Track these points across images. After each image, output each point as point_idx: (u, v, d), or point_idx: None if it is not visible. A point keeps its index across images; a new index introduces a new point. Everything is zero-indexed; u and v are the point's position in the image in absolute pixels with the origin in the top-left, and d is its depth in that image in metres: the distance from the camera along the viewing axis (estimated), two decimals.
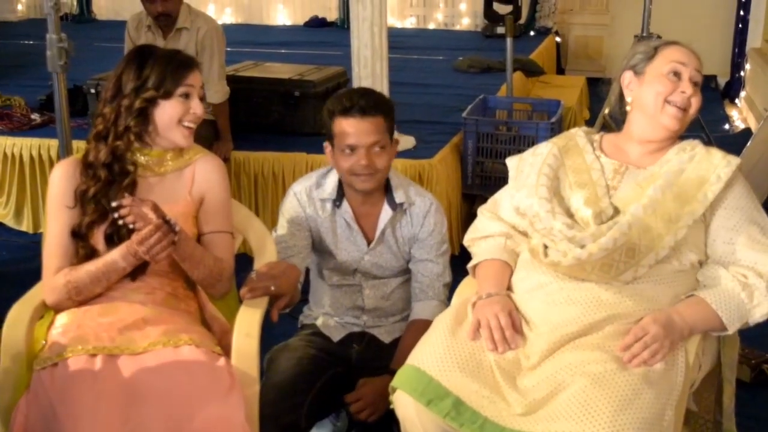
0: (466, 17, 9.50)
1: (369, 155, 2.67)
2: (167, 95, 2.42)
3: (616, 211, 2.33)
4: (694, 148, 2.41)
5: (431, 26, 9.63)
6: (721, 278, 2.30)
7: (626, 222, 2.26)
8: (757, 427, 3.12)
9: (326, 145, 2.78)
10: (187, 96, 2.44)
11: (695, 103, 2.39)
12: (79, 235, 2.41)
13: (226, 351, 2.34)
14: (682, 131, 2.43)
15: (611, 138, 2.53)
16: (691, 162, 2.36)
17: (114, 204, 2.28)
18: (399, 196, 2.79)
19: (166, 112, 2.42)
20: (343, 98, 2.72)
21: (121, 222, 2.28)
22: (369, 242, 2.83)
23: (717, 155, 2.37)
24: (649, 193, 2.30)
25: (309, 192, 2.82)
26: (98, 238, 2.41)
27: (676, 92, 2.38)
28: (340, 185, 2.81)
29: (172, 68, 2.43)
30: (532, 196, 2.41)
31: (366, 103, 2.69)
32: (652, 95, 2.39)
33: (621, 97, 2.51)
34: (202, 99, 2.49)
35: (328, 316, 2.91)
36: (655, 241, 2.26)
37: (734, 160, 2.35)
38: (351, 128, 2.67)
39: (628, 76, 2.48)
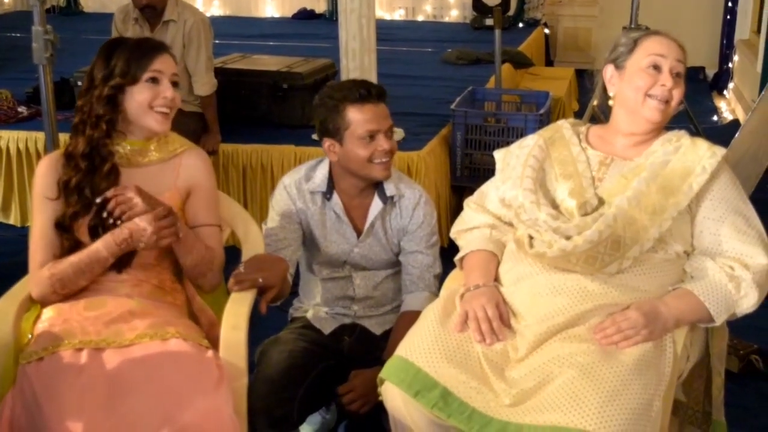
0: (455, 9, 9.49)
1: (388, 139, 2.71)
2: (134, 81, 2.41)
3: (601, 202, 2.33)
4: (679, 139, 2.40)
5: (420, 18, 9.61)
6: (708, 269, 2.30)
7: (611, 214, 2.26)
8: (745, 417, 3.13)
9: (326, 141, 2.76)
10: (155, 80, 2.43)
11: (677, 94, 2.38)
12: (63, 227, 2.40)
13: (214, 344, 2.34)
14: (666, 122, 2.43)
15: (597, 130, 2.53)
16: (677, 153, 2.36)
17: (98, 200, 2.28)
18: (390, 189, 2.79)
19: (134, 97, 2.42)
20: (352, 88, 2.72)
21: (111, 220, 2.28)
22: (358, 234, 2.83)
23: (702, 146, 2.37)
24: (633, 185, 2.30)
25: (299, 185, 2.82)
26: (83, 230, 2.40)
27: (656, 86, 2.37)
28: (330, 177, 2.81)
29: (138, 54, 2.42)
30: (517, 188, 2.41)
31: (377, 90, 2.75)
32: (633, 90, 2.39)
33: (605, 89, 2.51)
34: (176, 84, 2.48)
35: (319, 307, 2.91)
36: (640, 233, 2.26)
37: (719, 151, 2.35)
38: (370, 114, 2.69)
39: (609, 70, 2.48)
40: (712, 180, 2.32)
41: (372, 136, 2.69)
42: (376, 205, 2.81)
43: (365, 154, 2.69)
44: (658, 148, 2.38)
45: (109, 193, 2.27)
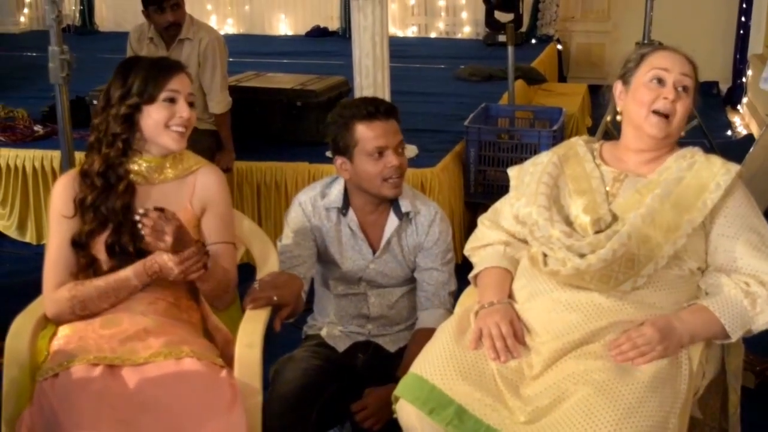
0: (468, 26, 9.52)
1: (398, 155, 2.71)
2: (151, 100, 2.42)
3: (615, 218, 2.33)
4: (693, 155, 2.40)
5: (433, 35, 9.64)
6: (723, 286, 2.29)
7: (625, 232, 2.25)
8: None
9: (338, 159, 2.77)
10: (172, 100, 2.44)
11: (681, 108, 2.37)
12: (79, 245, 2.42)
13: (229, 362, 2.34)
14: (675, 137, 2.42)
15: (610, 146, 2.53)
16: (691, 170, 2.35)
17: (141, 211, 2.27)
18: (405, 205, 2.80)
19: (151, 116, 2.43)
20: (359, 105, 2.74)
21: (141, 228, 2.27)
22: (374, 251, 2.83)
23: (717, 163, 2.36)
24: (647, 202, 2.30)
25: (314, 202, 2.83)
26: (99, 248, 2.41)
27: (659, 99, 2.36)
28: (346, 193, 2.82)
29: (155, 73, 2.44)
30: (531, 205, 2.41)
31: (386, 106, 2.76)
32: (637, 105, 2.39)
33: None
34: (192, 104, 2.50)
35: (333, 325, 2.91)
36: (654, 250, 2.25)
37: (734, 168, 2.34)
38: (379, 130, 2.70)
39: (618, 87, 2.48)
40: (726, 197, 2.31)
41: (381, 153, 2.69)
42: (392, 221, 2.81)
43: (375, 170, 2.70)
44: (672, 164, 2.38)
45: (152, 214, 2.25)
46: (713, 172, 2.33)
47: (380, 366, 2.79)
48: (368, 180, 2.72)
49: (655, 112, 2.36)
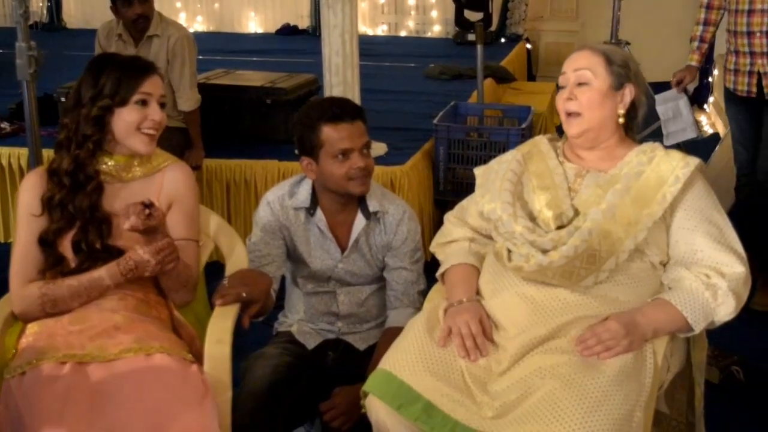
0: (438, 24, 9.54)
1: (363, 156, 2.71)
2: (123, 103, 2.42)
3: (576, 213, 2.36)
4: (654, 150, 2.42)
5: (403, 33, 9.66)
6: (684, 279, 2.32)
7: (587, 229, 2.28)
8: (726, 428, 3.15)
9: (304, 160, 2.77)
10: (144, 103, 2.44)
11: (585, 98, 2.40)
12: (46, 243, 2.41)
13: (195, 357, 2.34)
14: (607, 125, 2.42)
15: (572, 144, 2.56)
16: (650, 164, 2.38)
17: (147, 201, 2.27)
18: (373, 205, 2.81)
19: (123, 119, 2.43)
20: (325, 107, 2.74)
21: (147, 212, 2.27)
22: (343, 250, 2.84)
23: (676, 156, 2.39)
24: (608, 197, 2.33)
25: (282, 201, 2.83)
26: (66, 245, 2.41)
27: (560, 100, 2.44)
28: (314, 193, 2.82)
29: (128, 75, 2.43)
30: (495, 201, 2.43)
31: (352, 108, 2.76)
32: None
33: None
34: (163, 105, 2.49)
35: (303, 322, 2.92)
36: (615, 245, 2.28)
37: (693, 161, 2.37)
38: (344, 132, 2.69)
39: None
40: (685, 190, 2.34)
41: (346, 154, 2.69)
42: (360, 221, 2.82)
43: (340, 172, 2.70)
44: (633, 159, 2.41)
45: (156, 213, 2.27)
46: (672, 166, 2.35)
47: (350, 364, 2.80)
48: (333, 180, 2.73)
49: (567, 114, 2.43)
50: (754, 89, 4.14)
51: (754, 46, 4.10)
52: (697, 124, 5.18)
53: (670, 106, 4.82)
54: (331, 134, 2.69)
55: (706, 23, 4.47)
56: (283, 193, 2.85)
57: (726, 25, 4.32)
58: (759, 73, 4.10)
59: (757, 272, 3.26)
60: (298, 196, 2.82)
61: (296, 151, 2.82)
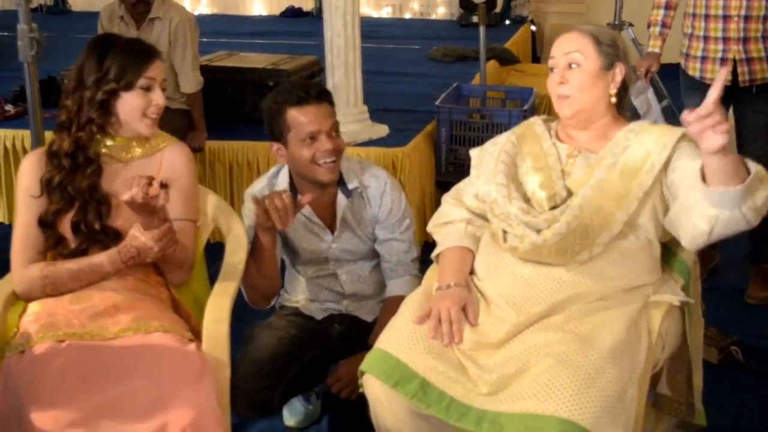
0: (442, 6, 9.52)
1: (331, 139, 2.70)
2: (128, 87, 2.42)
3: (569, 194, 2.37)
4: (641, 126, 2.43)
5: (407, 15, 9.64)
6: None
7: (577, 205, 2.29)
8: (725, 408, 3.16)
9: (274, 145, 2.77)
10: (148, 88, 2.45)
11: (576, 80, 2.40)
12: (46, 224, 2.42)
13: (194, 336, 2.36)
14: (599, 106, 2.42)
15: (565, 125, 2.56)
16: (636, 137, 2.38)
17: (163, 181, 2.26)
18: (352, 182, 2.81)
19: (128, 103, 2.44)
20: (290, 90, 2.73)
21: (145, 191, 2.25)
22: (332, 231, 2.85)
23: (662, 127, 2.39)
24: (596, 173, 2.33)
25: (263, 193, 2.80)
26: (65, 227, 2.42)
27: (552, 84, 2.45)
28: (292, 181, 2.83)
29: (133, 59, 2.43)
30: (490, 183, 2.44)
31: (317, 90, 2.75)
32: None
33: None
34: (164, 89, 2.50)
35: (310, 301, 2.95)
36: (608, 218, 2.29)
37: (678, 129, 2.33)
38: (310, 115, 2.69)
39: None
40: (673, 152, 2.30)
41: (313, 137, 2.69)
42: (341, 200, 2.82)
43: (308, 155, 2.69)
44: (621, 137, 2.41)
45: (162, 196, 2.26)
46: (658, 135, 2.35)
47: (356, 336, 2.82)
48: (303, 165, 2.72)
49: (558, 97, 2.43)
50: (729, 77, 3.90)
51: (729, 31, 3.92)
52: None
53: (642, 98, 4.74)
54: (298, 117, 2.69)
55: (667, 7, 4.27)
56: (262, 186, 2.86)
57: (685, 8, 4.16)
58: (734, 60, 3.93)
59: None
60: (278, 186, 2.83)
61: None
